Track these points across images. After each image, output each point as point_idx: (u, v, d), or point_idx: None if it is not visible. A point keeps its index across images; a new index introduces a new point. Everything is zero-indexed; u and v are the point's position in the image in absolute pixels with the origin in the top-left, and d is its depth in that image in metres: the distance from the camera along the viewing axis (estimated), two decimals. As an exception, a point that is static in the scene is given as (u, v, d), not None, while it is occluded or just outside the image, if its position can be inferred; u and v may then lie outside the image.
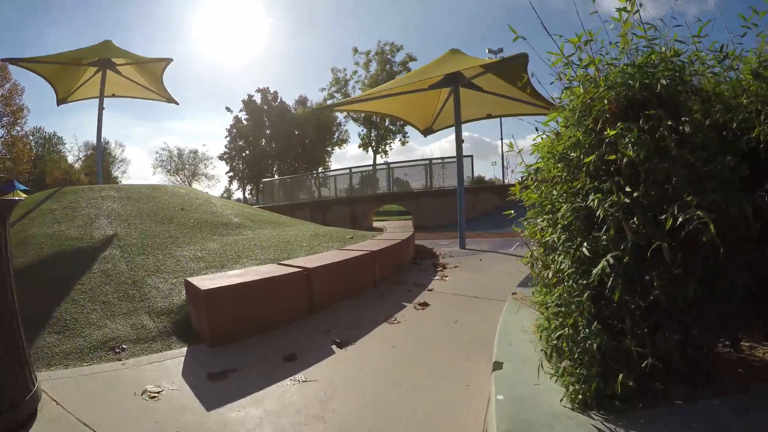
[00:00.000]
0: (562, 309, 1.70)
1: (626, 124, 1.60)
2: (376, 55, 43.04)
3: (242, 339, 3.43)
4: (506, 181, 37.96)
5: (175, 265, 4.77)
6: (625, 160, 1.54)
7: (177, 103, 13.44)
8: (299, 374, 2.79)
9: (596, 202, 1.58)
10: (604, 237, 1.53)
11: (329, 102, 49.70)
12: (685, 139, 1.59)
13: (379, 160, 44.07)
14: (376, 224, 18.04)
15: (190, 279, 3.77)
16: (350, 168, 20.29)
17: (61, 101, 11.98)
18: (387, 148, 47.77)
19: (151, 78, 12.15)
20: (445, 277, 5.58)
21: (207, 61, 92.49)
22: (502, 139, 35.44)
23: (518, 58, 6.48)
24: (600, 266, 1.48)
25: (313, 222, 12.46)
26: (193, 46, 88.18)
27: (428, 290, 4.90)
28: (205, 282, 3.58)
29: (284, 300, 3.91)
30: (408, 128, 46.56)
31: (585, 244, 1.58)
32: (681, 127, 1.61)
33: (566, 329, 1.60)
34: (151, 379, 2.74)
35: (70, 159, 52.48)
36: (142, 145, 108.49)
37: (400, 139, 47.63)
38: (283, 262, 4.52)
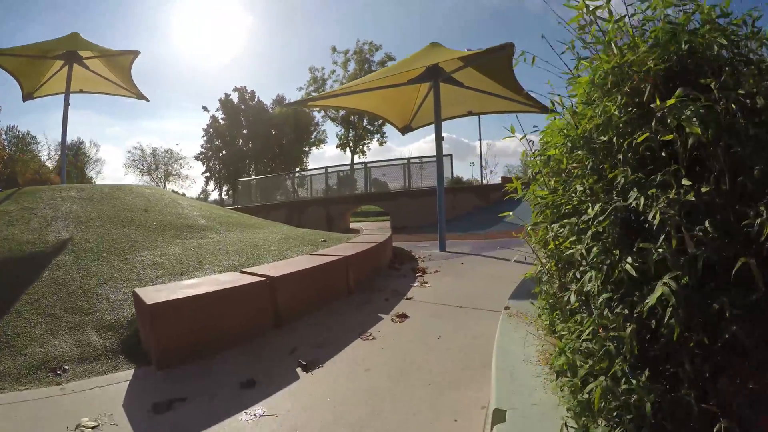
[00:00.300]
0: (593, 347, 1.25)
1: (684, 91, 1.16)
2: (354, 54, 42.56)
3: (196, 360, 2.97)
4: (485, 182, 38.01)
5: (130, 273, 4.30)
6: (690, 141, 1.09)
7: (147, 100, 12.99)
8: (257, 406, 2.37)
9: (642, 200, 1.14)
10: (660, 250, 1.09)
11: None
12: (761, 117, 1.16)
13: (357, 160, 43.69)
14: (353, 225, 17.55)
15: (138, 290, 3.30)
16: (326, 168, 19.74)
17: (27, 97, 11.47)
18: (365, 148, 47.49)
19: (119, 72, 11.65)
20: (425, 283, 5.13)
21: (185, 59, 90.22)
22: (480, 139, 35.41)
23: (504, 48, 6.07)
24: (658, 292, 1.03)
25: (288, 223, 11.97)
26: (171, 45, 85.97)
27: (407, 299, 4.45)
28: (154, 294, 3.10)
29: (245, 313, 3.42)
30: (386, 128, 46.33)
31: (629, 259, 1.14)
32: (750, 101, 1.19)
33: (602, 379, 1.14)
34: (89, 410, 2.37)
35: (43, 158, 50.66)
36: (119, 144, 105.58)
37: (378, 140, 47.34)
38: (246, 270, 4.02)
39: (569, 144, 1.60)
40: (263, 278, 3.60)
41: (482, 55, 6.75)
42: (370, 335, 3.38)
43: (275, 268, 4.00)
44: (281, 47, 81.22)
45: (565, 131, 1.67)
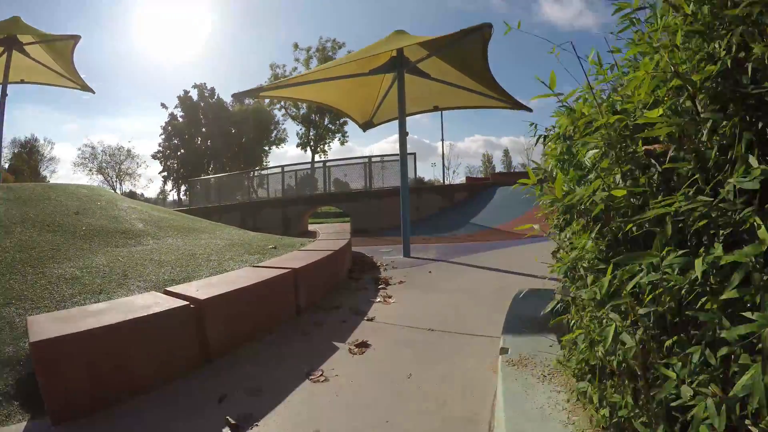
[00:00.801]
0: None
1: None
2: (317, 52, 41.77)
3: (101, 410, 2.22)
4: (447, 182, 37.77)
5: (43, 290, 3.44)
6: None
7: (92, 92, 12.63)
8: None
9: None
10: None
11: (266, 101, 47.94)
12: None
13: (318, 159, 42.85)
14: (311, 227, 16.71)
15: (32, 319, 2.54)
16: (282, 166, 18.72)
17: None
18: (326, 147, 46.86)
19: (62, 61, 10.97)
20: (389, 298, 4.42)
21: (146, 56, 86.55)
22: (443, 139, 35.02)
23: (481, 29, 5.43)
24: None
25: (243, 226, 11.15)
26: (131, 41, 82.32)
27: (368, 320, 3.72)
28: (47, 326, 2.35)
29: (164, 348, 2.63)
30: (348, 128, 45.70)
31: None
32: None
33: None
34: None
35: (-7, 156, 47.28)
36: (78, 142, 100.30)
37: (339, 139, 46.76)
38: (172, 290, 3.19)
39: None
40: (187, 303, 2.80)
41: (456, 37, 6.04)
42: (321, 375, 2.63)
43: (207, 287, 3.20)
44: (243, 45, 79.25)
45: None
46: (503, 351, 1.95)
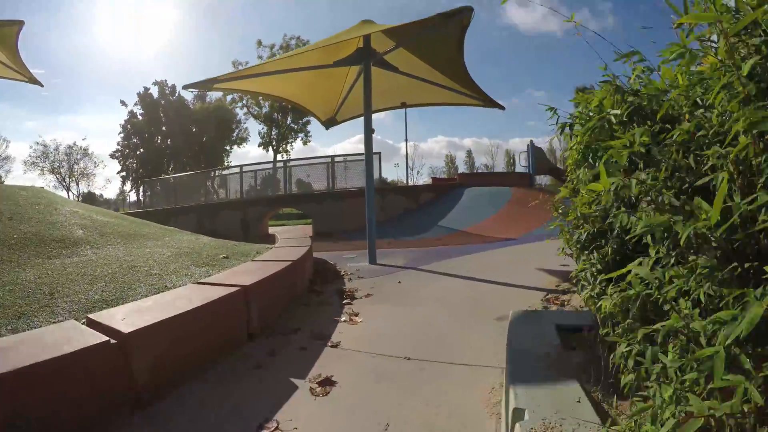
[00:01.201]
0: None
1: None
2: (281, 49, 40.83)
3: None
4: (411, 183, 37.49)
5: None
6: None
7: (41, 85, 11.93)
8: None
9: None
10: None
11: (229, 98, 46.57)
12: None
13: (279, 159, 41.98)
14: (272, 230, 15.99)
15: None
16: (241, 166, 17.82)
17: None
18: (288, 147, 46.07)
19: (7, 51, 10.02)
20: (355, 316, 3.89)
21: (107, 52, 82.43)
22: (407, 139, 34.66)
23: (461, 12, 4.94)
24: None
25: (199, 230, 10.48)
26: (93, 37, 78.26)
27: (332, 346, 3.18)
28: None
29: (77, 395, 2.01)
30: (311, 128, 44.93)
31: None
32: None
33: None
34: None
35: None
36: (36, 140, 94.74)
37: (302, 139, 46.09)
38: (95, 317, 2.54)
39: None
40: (108, 338, 2.19)
41: (432, 22, 5.47)
42: (276, 429, 2.08)
43: (137, 314, 2.58)
44: (206, 41, 76.68)
45: None
46: (518, 415, 1.45)
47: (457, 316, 3.80)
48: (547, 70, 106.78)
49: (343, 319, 3.80)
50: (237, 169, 18.04)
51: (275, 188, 16.15)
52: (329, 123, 9.70)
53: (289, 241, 6.65)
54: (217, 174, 21.21)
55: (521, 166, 19.87)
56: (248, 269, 4.04)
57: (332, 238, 11.82)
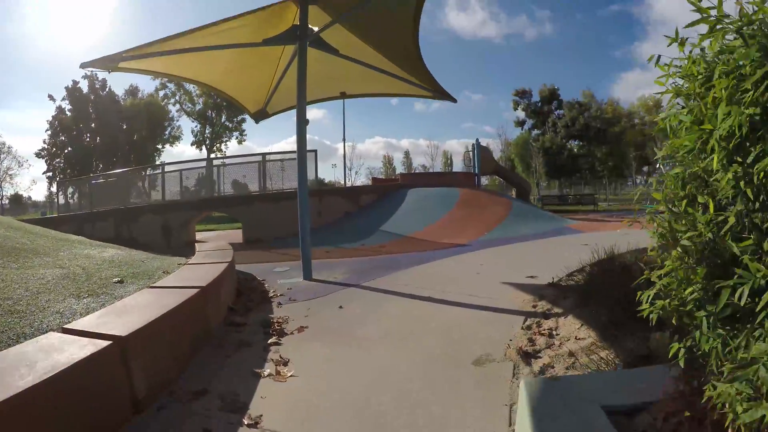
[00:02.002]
0: None
1: None
2: None
3: None
4: (349, 184, 36.39)
5: None
6: None
7: None
8: None
9: None
10: None
11: (162, 93, 43.71)
12: None
13: (206, 158, 39.74)
14: (200, 235, 14.42)
15: None
16: (162, 165, 16.00)
17: None
18: (223, 147, 43.98)
19: None
20: (284, 366, 2.84)
21: (37, 43, 74.36)
22: (344, 140, 33.50)
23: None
24: None
25: (117, 238, 9.21)
26: (24, 26, 70.33)
27: (249, 426, 2.12)
28: None
29: None
30: (246, 126, 42.98)
31: None
32: None
33: None
34: None
35: None
36: None
37: (237, 138, 44.25)
38: None
39: None
40: None
41: None
42: None
43: None
44: (140, 33, 71.08)
45: None
46: None
47: (421, 363, 2.84)
48: (484, 74, 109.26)
49: (267, 372, 2.73)
50: (159, 169, 16.19)
51: (207, 190, 14.52)
52: (259, 115, 8.50)
53: (209, 255, 5.44)
54: (137, 174, 19.02)
55: (467, 166, 19.31)
56: (139, 303, 2.87)
57: (264, 245, 10.58)
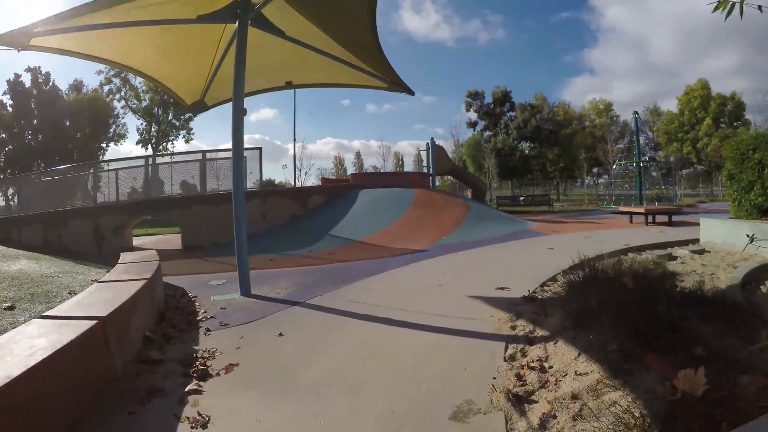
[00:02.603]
0: None
1: None
2: None
3: None
4: (299, 184, 35.26)
5: None
6: None
7: None
8: None
9: None
10: None
11: (106, 88, 41.05)
12: None
13: (142, 155, 37.70)
14: (138, 241, 13.15)
15: None
16: (92, 164, 14.50)
17: None
18: (169, 145, 42.03)
19: None
20: (202, 429, 2.09)
21: None
22: (295, 139, 32.44)
23: None
24: None
25: (46, 246, 9.03)
26: None
27: None
28: None
29: None
30: (194, 124, 41.17)
31: None
32: None
33: None
34: None
35: None
36: None
37: (184, 137, 42.33)
38: None
39: None
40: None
41: None
42: None
43: None
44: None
45: None
46: None
47: (385, 424, 2.16)
48: (436, 76, 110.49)
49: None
50: (88, 169, 14.65)
51: (142, 192, 13.16)
52: (197, 108, 7.54)
53: (128, 270, 4.52)
54: (67, 175, 17.16)
55: (420, 166, 18.76)
56: (7, 347, 2.04)
57: (204, 253, 9.59)
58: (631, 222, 12.71)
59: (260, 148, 12.53)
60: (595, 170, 47.89)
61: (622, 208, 13.99)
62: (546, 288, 4.59)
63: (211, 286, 5.43)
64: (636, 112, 20.19)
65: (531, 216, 16.60)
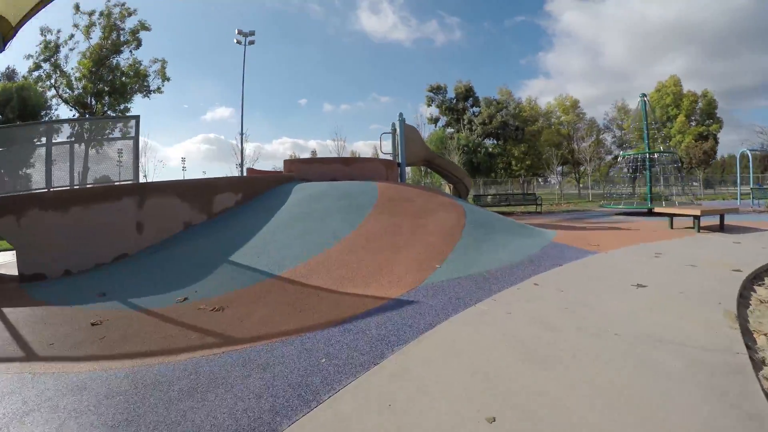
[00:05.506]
0: None
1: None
2: (102, 17, 33.43)
3: None
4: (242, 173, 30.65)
5: None
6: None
7: None
8: None
9: None
10: None
11: (35, 74, 37.07)
12: None
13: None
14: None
15: None
16: None
17: None
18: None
19: None
20: None
21: None
22: (242, 133, 28.01)
23: None
24: None
25: None
26: None
27: None
28: None
29: None
30: (138, 113, 36.67)
31: None
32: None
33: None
34: None
35: None
36: None
37: (121, 130, 37.18)
38: None
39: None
40: None
41: None
42: None
43: None
44: None
45: None
46: None
47: None
48: (393, 76, 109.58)
49: None
50: None
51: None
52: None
53: None
54: None
55: (384, 153, 14.52)
56: None
57: (39, 289, 5.42)
58: (671, 227, 9.41)
59: (137, 116, 8.30)
60: (559, 169, 45.68)
61: (660, 209, 10.63)
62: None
63: None
64: (644, 94, 17.00)
65: (521, 219, 13.41)
